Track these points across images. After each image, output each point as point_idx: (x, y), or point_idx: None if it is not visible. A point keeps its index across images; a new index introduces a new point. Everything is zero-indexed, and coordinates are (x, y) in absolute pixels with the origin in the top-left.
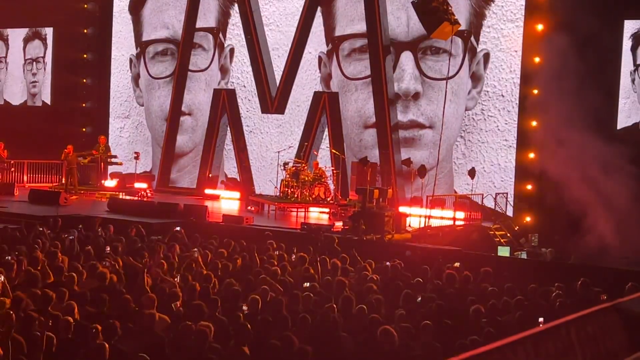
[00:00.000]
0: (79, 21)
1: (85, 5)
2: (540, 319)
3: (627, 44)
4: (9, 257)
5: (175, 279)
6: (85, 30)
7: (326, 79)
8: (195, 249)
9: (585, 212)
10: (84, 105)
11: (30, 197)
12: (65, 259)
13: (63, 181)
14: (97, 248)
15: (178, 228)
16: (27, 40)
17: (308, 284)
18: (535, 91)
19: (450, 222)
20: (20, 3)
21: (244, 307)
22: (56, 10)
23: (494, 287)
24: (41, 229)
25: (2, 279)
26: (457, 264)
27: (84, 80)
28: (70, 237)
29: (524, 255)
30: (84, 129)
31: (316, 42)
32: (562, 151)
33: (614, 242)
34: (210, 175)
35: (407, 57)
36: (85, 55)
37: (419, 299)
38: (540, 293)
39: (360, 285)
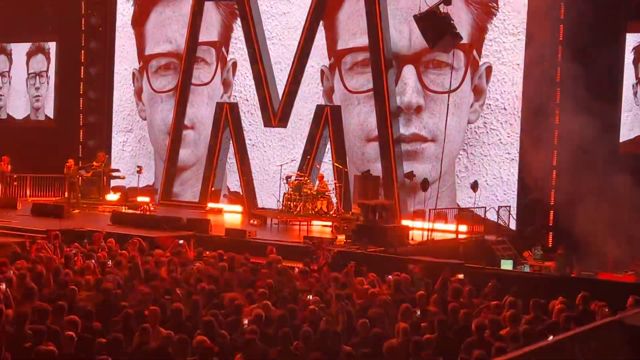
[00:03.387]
0: (82, 35)
1: (89, 20)
2: (550, 337)
3: (628, 57)
4: (12, 271)
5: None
6: (88, 45)
7: (328, 92)
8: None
9: (588, 224)
10: (87, 119)
11: (33, 211)
12: (69, 273)
13: (66, 195)
14: (99, 262)
15: (181, 241)
16: (30, 55)
17: (311, 297)
18: (538, 104)
19: (453, 236)
20: (23, 18)
21: (245, 321)
22: (59, 25)
23: (498, 300)
24: (44, 242)
25: (4, 288)
26: (460, 276)
27: (87, 94)
28: (73, 251)
29: (526, 269)
30: (86, 143)
31: (318, 56)
32: (565, 164)
33: (617, 255)
34: (212, 188)
35: (409, 71)
36: (88, 70)
37: (418, 312)
38: (543, 307)
39: (363, 299)
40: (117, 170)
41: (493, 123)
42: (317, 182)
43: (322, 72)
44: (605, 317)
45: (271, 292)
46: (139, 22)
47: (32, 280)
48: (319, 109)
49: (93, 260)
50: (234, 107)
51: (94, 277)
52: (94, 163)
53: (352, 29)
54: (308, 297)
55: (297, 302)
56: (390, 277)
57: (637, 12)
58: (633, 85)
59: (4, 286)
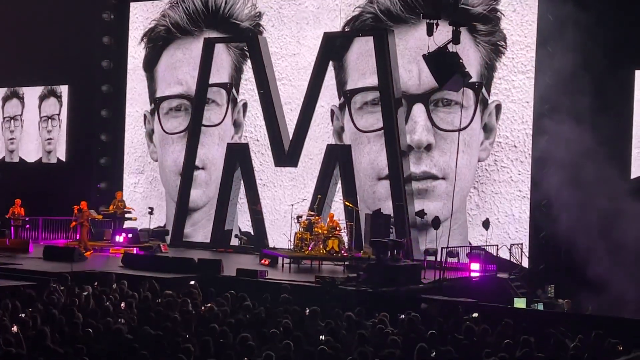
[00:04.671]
0: (94, 78)
1: (101, 63)
2: None
3: (638, 93)
4: (23, 315)
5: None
6: (100, 88)
7: (339, 131)
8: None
9: (601, 262)
10: (99, 161)
11: (44, 254)
12: (80, 316)
13: (77, 237)
14: (112, 304)
15: (192, 282)
16: (42, 98)
17: (323, 338)
18: (547, 142)
19: (466, 274)
20: (36, 62)
21: None
22: (71, 68)
23: (511, 339)
24: (55, 285)
25: (16, 330)
26: (475, 315)
27: (99, 137)
28: (85, 294)
29: (540, 307)
30: (98, 185)
31: (328, 96)
32: (576, 201)
33: (630, 292)
34: (224, 229)
35: (419, 109)
36: (100, 112)
37: (434, 353)
38: (557, 345)
39: (376, 338)
40: (129, 212)
41: (504, 160)
42: (328, 221)
43: (332, 111)
44: (619, 356)
45: (285, 332)
46: (150, 64)
47: (44, 323)
48: (330, 148)
49: (105, 302)
50: (244, 148)
51: (105, 319)
52: (111, 206)
53: (362, 69)
54: (321, 337)
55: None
56: (402, 316)
57: None
58: None
59: (15, 329)
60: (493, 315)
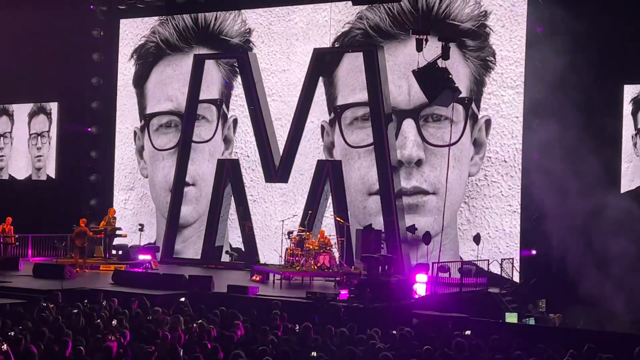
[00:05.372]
0: (84, 95)
1: (90, 80)
2: None
3: (627, 108)
4: (12, 333)
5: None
6: (90, 104)
7: (329, 147)
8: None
9: (591, 276)
10: (88, 178)
11: (34, 272)
12: (70, 333)
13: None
14: (102, 321)
15: (183, 299)
16: (32, 115)
17: (315, 354)
18: (537, 156)
19: (457, 289)
20: (25, 79)
21: None
22: (61, 85)
23: (502, 354)
24: (45, 304)
25: (5, 348)
26: (468, 332)
27: (89, 154)
28: (75, 311)
29: (532, 321)
30: (89, 203)
31: (318, 112)
32: (566, 216)
33: (621, 306)
34: (215, 245)
35: (409, 125)
36: (89, 129)
37: None
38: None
39: (367, 354)
40: (119, 229)
41: (494, 175)
42: (319, 237)
43: (323, 127)
44: None
45: (275, 350)
46: (140, 81)
47: (34, 341)
48: (320, 164)
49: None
50: (235, 164)
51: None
52: (102, 222)
53: (352, 85)
54: (312, 353)
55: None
56: (395, 332)
57: (635, 64)
58: (632, 136)
59: (5, 347)
60: (484, 330)
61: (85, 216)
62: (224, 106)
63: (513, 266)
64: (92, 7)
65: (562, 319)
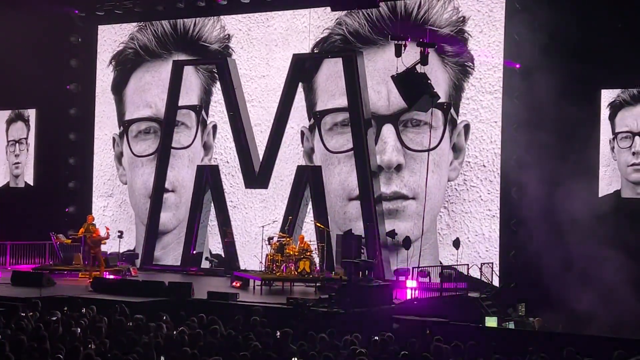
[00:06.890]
0: (62, 102)
1: (68, 86)
2: None
3: (605, 112)
4: None
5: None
6: (68, 111)
7: (309, 152)
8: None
9: (570, 280)
10: (67, 185)
11: (13, 279)
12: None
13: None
14: (81, 329)
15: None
16: (9, 122)
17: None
18: (515, 161)
19: (437, 294)
20: (2, 85)
21: None
22: (39, 92)
23: (482, 358)
24: (24, 312)
25: None
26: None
27: (67, 161)
28: (54, 319)
29: (511, 325)
30: (67, 210)
31: (298, 117)
32: (545, 220)
33: (600, 309)
34: (194, 252)
35: (388, 130)
36: (68, 136)
37: None
38: None
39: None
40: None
41: (473, 180)
42: (299, 243)
43: (302, 133)
44: None
45: (256, 356)
46: (119, 87)
47: (12, 350)
48: (300, 170)
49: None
50: (214, 170)
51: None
52: (81, 230)
53: (331, 90)
54: (293, 359)
55: None
56: (376, 337)
57: (612, 69)
58: (610, 141)
59: None
60: (463, 335)
61: (63, 224)
62: (203, 112)
63: (493, 270)
64: (76, 11)
65: (542, 323)
